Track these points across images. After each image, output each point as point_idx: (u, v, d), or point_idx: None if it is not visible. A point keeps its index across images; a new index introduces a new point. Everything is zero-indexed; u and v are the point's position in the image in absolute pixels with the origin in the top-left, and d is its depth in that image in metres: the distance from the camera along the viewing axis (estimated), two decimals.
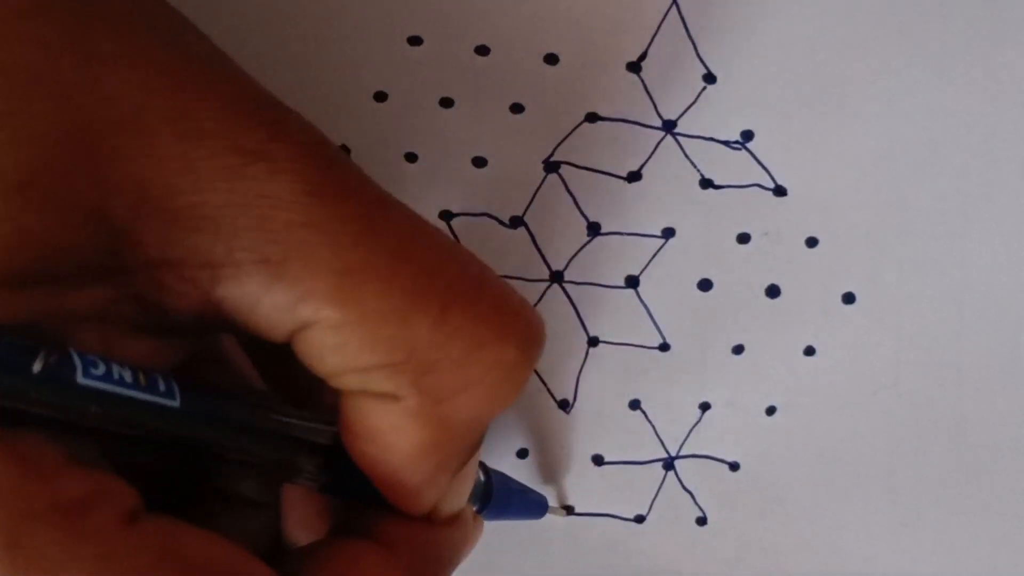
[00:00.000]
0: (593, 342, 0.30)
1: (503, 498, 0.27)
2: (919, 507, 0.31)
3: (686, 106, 0.30)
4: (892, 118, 0.29)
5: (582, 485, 0.31)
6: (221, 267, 0.18)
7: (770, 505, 0.31)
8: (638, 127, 0.30)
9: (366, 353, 0.19)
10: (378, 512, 0.22)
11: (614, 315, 0.30)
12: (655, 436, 0.31)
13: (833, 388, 0.30)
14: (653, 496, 0.31)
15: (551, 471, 0.31)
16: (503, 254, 0.30)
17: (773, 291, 0.30)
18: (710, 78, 0.29)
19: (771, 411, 0.30)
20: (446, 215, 0.30)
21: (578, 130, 0.30)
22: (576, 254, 0.30)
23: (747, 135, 0.30)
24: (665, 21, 0.29)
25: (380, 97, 0.30)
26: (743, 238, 0.30)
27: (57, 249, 0.17)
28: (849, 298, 0.30)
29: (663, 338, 0.30)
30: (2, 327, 0.17)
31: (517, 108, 0.30)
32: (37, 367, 0.17)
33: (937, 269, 0.30)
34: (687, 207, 0.30)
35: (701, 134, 0.30)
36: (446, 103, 0.30)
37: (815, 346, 0.30)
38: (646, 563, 0.31)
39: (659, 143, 0.30)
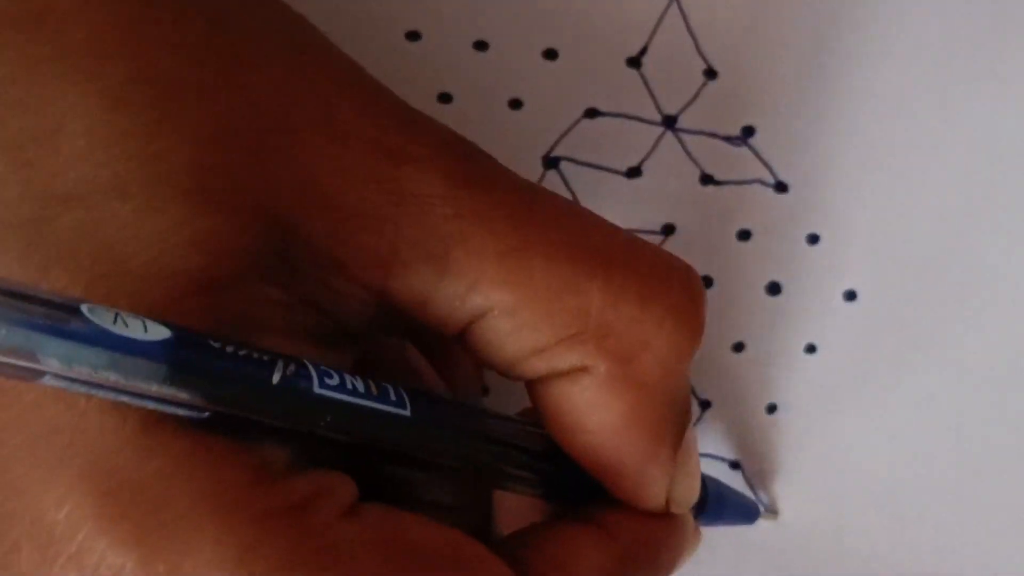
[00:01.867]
0: None
1: (717, 502, 0.27)
2: (920, 506, 0.30)
3: (686, 102, 0.29)
4: (893, 114, 0.29)
5: None
6: (389, 266, 0.19)
7: (771, 504, 0.31)
8: (638, 123, 0.30)
9: (544, 330, 0.20)
10: (598, 503, 0.22)
11: None
12: None
13: (834, 386, 0.30)
14: None
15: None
16: None
17: (774, 288, 0.30)
18: (711, 73, 0.29)
19: (772, 409, 0.30)
20: None
21: (578, 126, 0.30)
22: None
23: (748, 131, 0.29)
24: (665, 16, 0.29)
25: None
26: (744, 235, 0.30)
27: (233, 250, 0.18)
28: (851, 295, 0.30)
29: None
30: (244, 343, 0.17)
31: (516, 104, 0.29)
32: (276, 378, 0.17)
33: (939, 267, 0.30)
34: (687, 203, 0.30)
35: (702, 130, 0.30)
36: (445, 98, 0.29)
37: (816, 344, 0.30)
38: None
39: (659, 139, 0.30)
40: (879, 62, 0.29)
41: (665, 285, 0.21)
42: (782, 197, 0.30)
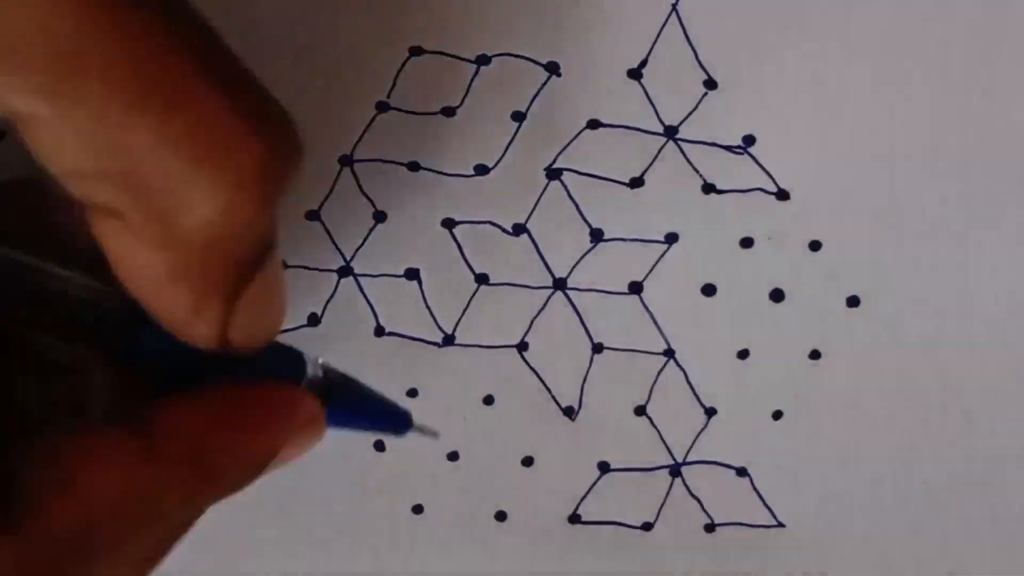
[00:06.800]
0: (597, 348, 0.30)
1: (348, 402, 0.25)
2: (927, 512, 0.30)
3: (687, 112, 0.30)
4: (893, 120, 0.29)
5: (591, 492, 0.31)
6: None
7: (778, 511, 0.31)
8: (640, 133, 0.30)
9: (82, 156, 0.18)
10: (163, 395, 0.20)
11: (618, 321, 0.30)
12: (661, 442, 0.31)
13: (840, 392, 0.30)
14: (660, 503, 0.31)
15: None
16: (506, 262, 0.30)
17: (777, 295, 0.30)
18: (711, 84, 0.29)
19: (777, 416, 0.30)
20: (448, 223, 0.30)
21: (580, 137, 0.30)
22: (579, 261, 0.30)
23: (749, 140, 0.30)
24: (665, 28, 0.29)
25: (382, 107, 0.30)
26: (746, 242, 0.30)
27: None
28: (854, 301, 0.30)
29: (667, 343, 0.30)
30: None
31: (518, 116, 0.30)
32: None
33: (941, 271, 0.30)
34: (690, 212, 0.30)
35: (703, 139, 0.30)
36: (448, 112, 0.30)
37: (820, 350, 0.30)
38: (654, 571, 0.31)
39: (661, 149, 0.30)
40: (877, 68, 0.29)
41: (234, 147, 0.18)
42: (783, 205, 0.30)
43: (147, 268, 0.19)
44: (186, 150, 0.18)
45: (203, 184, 0.18)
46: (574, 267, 0.30)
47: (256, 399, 0.22)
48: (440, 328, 0.30)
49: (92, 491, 0.19)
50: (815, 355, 0.30)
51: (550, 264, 0.30)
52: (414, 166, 0.30)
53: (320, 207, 0.30)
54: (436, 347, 0.30)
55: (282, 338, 0.30)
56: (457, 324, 0.30)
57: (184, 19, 0.19)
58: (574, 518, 0.31)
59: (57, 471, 0.19)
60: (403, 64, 0.29)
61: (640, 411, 0.30)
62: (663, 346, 0.30)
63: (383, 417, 0.26)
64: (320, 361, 0.24)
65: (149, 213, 0.18)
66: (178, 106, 0.18)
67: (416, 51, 0.29)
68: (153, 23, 0.18)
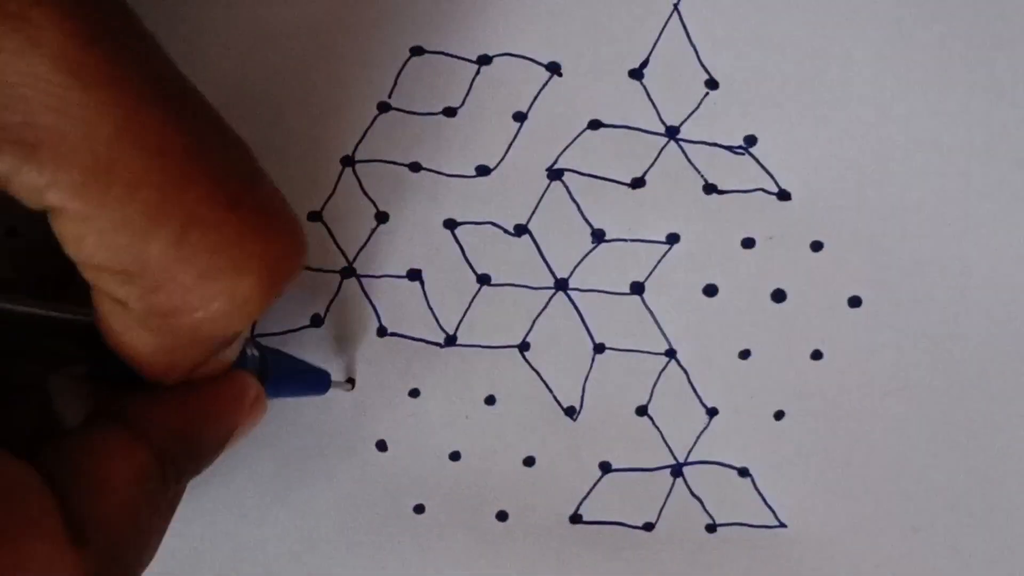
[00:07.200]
0: (599, 349, 0.30)
1: (280, 374, 0.27)
2: (930, 511, 0.30)
3: (689, 112, 0.30)
4: (894, 120, 0.29)
5: (592, 493, 0.31)
6: None
7: (780, 511, 0.31)
8: (641, 133, 0.30)
9: (100, 253, 0.19)
10: (132, 394, 0.22)
11: (620, 322, 0.30)
12: (663, 442, 0.31)
13: (841, 392, 0.30)
14: (662, 503, 0.31)
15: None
16: (507, 262, 0.30)
17: (779, 295, 0.30)
18: (712, 84, 0.29)
19: (779, 416, 0.30)
20: (450, 223, 0.30)
21: (581, 137, 0.30)
22: (581, 261, 0.30)
23: (750, 140, 0.30)
24: (666, 28, 0.29)
25: (383, 107, 0.30)
26: (748, 243, 0.30)
27: None
28: (855, 301, 0.30)
29: (669, 344, 0.30)
30: None
31: (519, 116, 0.30)
32: None
33: (942, 270, 0.30)
34: (691, 212, 0.30)
35: (704, 140, 0.30)
36: (449, 112, 0.30)
37: (822, 350, 0.30)
38: (655, 571, 0.31)
39: (662, 149, 0.30)
40: (879, 69, 0.29)
41: (237, 270, 0.20)
42: (785, 205, 0.30)
43: (136, 342, 0.21)
44: (196, 265, 0.20)
45: (206, 296, 0.20)
46: (575, 267, 0.30)
47: (216, 390, 0.24)
48: (442, 328, 0.30)
49: (122, 490, 0.21)
50: (816, 355, 0.30)
51: (551, 264, 0.30)
52: (416, 167, 0.30)
53: (322, 208, 0.30)
54: (438, 347, 0.30)
55: (279, 338, 0.30)
56: (459, 324, 0.30)
57: (213, 139, 0.21)
58: (575, 518, 0.31)
59: (92, 478, 0.20)
60: (404, 64, 0.29)
61: (641, 411, 0.30)
62: (665, 346, 0.30)
63: (309, 381, 0.29)
64: (252, 340, 0.26)
65: (151, 309, 0.20)
66: (194, 226, 0.20)
67: (417, 51, 0.29)
68: (183, 146, 0.20)
